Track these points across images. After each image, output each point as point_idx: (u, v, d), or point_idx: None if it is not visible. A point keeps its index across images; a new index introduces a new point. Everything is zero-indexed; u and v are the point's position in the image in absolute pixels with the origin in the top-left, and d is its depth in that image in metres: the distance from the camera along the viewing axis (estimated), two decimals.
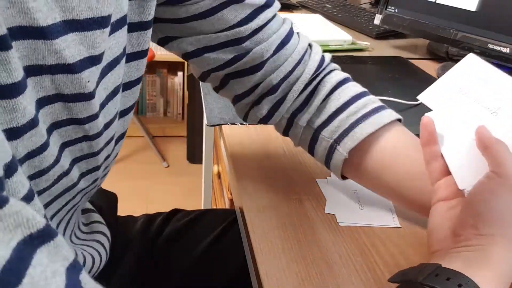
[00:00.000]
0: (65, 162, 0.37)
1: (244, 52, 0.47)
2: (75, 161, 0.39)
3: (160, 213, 0.75)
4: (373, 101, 0.50)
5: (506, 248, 0.35)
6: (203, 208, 1.55)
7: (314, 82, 0.51)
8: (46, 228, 0.23)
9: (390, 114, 0.49)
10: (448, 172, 0.42)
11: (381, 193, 0.51)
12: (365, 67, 0.96)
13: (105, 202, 0.65)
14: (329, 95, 0.50)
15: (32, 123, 0.30)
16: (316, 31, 1.10)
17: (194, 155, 2.21)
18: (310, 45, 0.52)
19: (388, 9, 1.06)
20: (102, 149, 0.41)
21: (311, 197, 0.53)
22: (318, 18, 1.22)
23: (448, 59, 1.05)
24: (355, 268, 0.43)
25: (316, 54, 0.51)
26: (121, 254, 0.62)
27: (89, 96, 0.35)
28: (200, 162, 1.51)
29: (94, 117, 0.37)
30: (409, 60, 1.03)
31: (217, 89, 0.53)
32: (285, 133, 0.54)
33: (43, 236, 0.23)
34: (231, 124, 0.68)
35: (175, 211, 0.75)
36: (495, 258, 0.34)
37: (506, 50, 0.82)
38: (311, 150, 0.52)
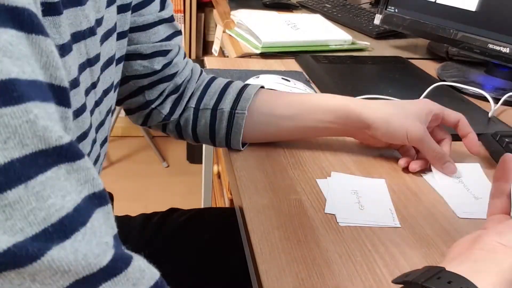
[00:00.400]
0: (93, 128, 0.41)
1: (170, 61, 0.59)
2: (96, 129, 0.44)
3: (156, 212, 0.75)
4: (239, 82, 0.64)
5: None
6: (203, 207, 1.55)
7: (198, 80, 0.65)
8: (104, 191, 0.26)
9: (256, 85, 0.62)
10: (506, 211, 0.43)
11: (273, 138, 0.62)
12: (365, 67, 0.96)
13: None
14: (210, 83, 0.64)
15: (75, 83, 0.35)
16: (316, 31, 1.10)
17: (194, 155, 2.21)
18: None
19: (388, 9, 1.06)
20: (105, 119, 0.47)
21: (311, 197, 0.53)
22: (318, 18, 1.22)
23: (448, 59, 1.05)
24: (355, 268, 0.43)
25: (193, 63, 0.66)
26: None
27: (99, 57, 0.41)
28: (200, 162, 1.51)
29: (97, 80, 0.42)
30: (409, 60, 1.03)
31: (125, 99, 0.62)
32: (179, 125, 0.64)
33: (101, 198, 0.26)
34: None
35: (172, 210, 0.75)
36: (505, 266, 0.33)
37: (506, 50, 0.82)
38: (212, 128, 0.61)
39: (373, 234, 0.48)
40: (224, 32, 1.18)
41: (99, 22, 0.41)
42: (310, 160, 0.61)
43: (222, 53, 1.43)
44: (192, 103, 0.63)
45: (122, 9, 0.49)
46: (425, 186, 0.57)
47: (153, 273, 0.28)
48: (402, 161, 0.60)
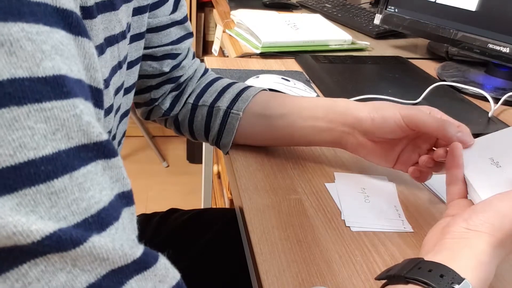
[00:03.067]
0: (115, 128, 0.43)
1: (179, 63, 0.61)
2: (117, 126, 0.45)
3: (157, 212, 0.75)
4: (242, 83, 0.64)
5: (492, 245, 0.35)
6: (203, 208, 1.55)
7: (202, 78, 0.65)
8: (131, 192, 0.27)
9: (257, 88, 0.61)
10: (464, 195, 0.44)
11: (264, 141, 0.60)
12: (365, 67, 0.96)
13: None
14: (213, 82, 0.64)
15: (107, 84, 0.36)
16: (316, 31, 1.09)
17: (194, 155, 2.21)
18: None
19: (388, 9, 1.06)
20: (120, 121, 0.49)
21: (311, 197, 0.53)
22: (318, 18, 1.22)
23: (448, 59, 1.05)
24: (355, 268, 0.43)
25: (199, 63, 0.67)
26: None
27: (125, 59, 0.42)
28: (200, 162, 1.51)
29: (122, 82, 0.43)
30: (409, 60, 1.03)
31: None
32: (178, 120, 0.65)
33: (128, 198, 0.27)
34: None
35: (172, 211, 0.75)
36: (479, 250, 0.35)
37: (506, 50, 0.82)
38: (207, 124, 0.61)
39: (373, 234, 0.48)
40: (224, 32, 1.18)
41: (129, 26, 0.42)
42: (310, 160, 0.60)
43: (222, 53, 1.43)
44: (191, 99, 0.63)
45: (139, 11, 0.49)
46: (425, 185, 0.57)
47: (175, 273, 0.29)
48: (411, 169, 0.53)
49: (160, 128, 2.45)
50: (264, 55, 0.99)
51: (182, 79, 0.63)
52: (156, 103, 0.63)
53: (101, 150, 0.24)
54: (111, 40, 0.37)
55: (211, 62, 0.93)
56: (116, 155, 0.26)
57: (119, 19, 0.38)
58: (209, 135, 0.62)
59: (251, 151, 0.62)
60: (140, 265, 0.25)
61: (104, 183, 0.24)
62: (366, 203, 0.52)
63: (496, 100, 0.78)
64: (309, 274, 0.42)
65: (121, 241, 0.24)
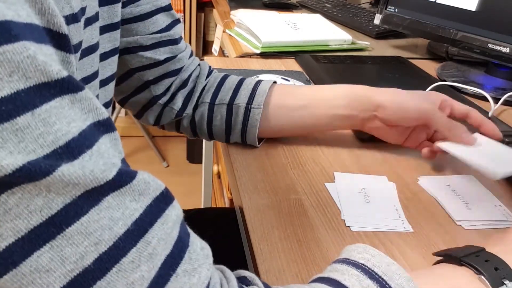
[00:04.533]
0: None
1: (175, 55, 0.60)
2: None
3: None
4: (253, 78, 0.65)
5: None
6: (203, 207, 1.55)
7: (210, 76, 0.65)
8: (108, 120, 0.28)
9: (270, 81, 0.63)
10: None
11: (288, 131, 0.63)
12: (365, 67, 0.96)
13: None
14: (224, 79, 0.64)
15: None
16: (316, 31, 1.09)
17: (194, 155, 2.21)
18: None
19: (388, 9, 1.06)
20: None
21: (311, 197, 0.53)
22: (318, 18, 1.22)
23: (448, 59, 1.05)
24: None
25: (201, 61, 0.67)
26: None
27: (80, 45, 0.42)
28: (200, 162, 1.51)
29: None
30: (409, 60, 1.03)
31: (131, 96, 0.62)
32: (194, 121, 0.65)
33: (106, 125, 0.28)
34: None
35: None
36: None
37: (506, 50, 0.82)
38: (228, 123, 0.62)
39: (373, 234, 0.48)
40: (224, 32, 1.18)
41: (83, 10, 0.41)
42: (310, 160, 0.61)
43: (222, 53, 1.43)
44: (207, 98, 0.63)
45: (107, 1, 0.49)
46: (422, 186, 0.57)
47: (158, 185, 0.30)
48: (426, 150, 0.59)
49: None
50: (264, 55, 0.99)
51: (185, 75, 0.62)
52: (162, 102, 0.63)
53: (65, 86, 0.25)
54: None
55: (211, 62, 0.93)
56: (83, 89, 0.27)
57: (68, 0, 0.37)
58: (231, 134, 0.62)
59: (251, 151, 0.62)
60: (114, 185, 0.27)
61: (73, 115, 0.26)
62: (366, 203, 0.52)
63: (496, 100, 0.78)
64: (309, 274, 0.42)
65: (92, 166, 0.25)
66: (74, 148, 0.25)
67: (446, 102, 0.58)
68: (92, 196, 0.26)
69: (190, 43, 2.18)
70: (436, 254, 0.40)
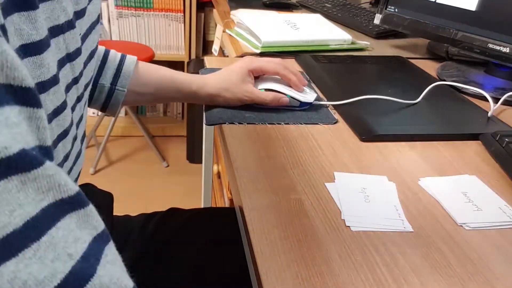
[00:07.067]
0: (74, 125, 0.41)
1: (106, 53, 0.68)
2: (77, 124, 0.44)
3: (157, 212, 0.75)
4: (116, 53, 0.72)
5: None
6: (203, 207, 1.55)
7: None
8: (77, 195, 0.24)
9: (132, 57, 0.73)
10: None
11: (154, 99, 0.76)
12: (365, 66, 0.96)
13: (101, 201, 0.65)
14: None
15: (55, 79, 0.34)
16: (316, 31, 1.09)
17: (194, 155, 2.21)
18: None
19: (388, 9, 1.06)
20: (83, 114, 0.49)
21: (311, 197, 0.53)
22: (318, 18, 1.22)
23: (448, 59, 1.05)
24: (355, 268, 0.43)
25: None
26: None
27: (80, 51, 0.41)
28: (200, 162, 1.51)
29: (80, 75, 0.42)
30: (409, 59, 1.03)
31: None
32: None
33: (73, 203, 0.24)
34: (230, 123, 0.68)
35: (172, 210, 0.75)
36: None
37: (506, 50, 0.82)
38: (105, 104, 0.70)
39: (373, 234, 0.48)
40: (224, 31, 1.18)
41: (78, 14, 0.40)
42: (310, 160, 0.61)
43: (222, 52, 1.43)
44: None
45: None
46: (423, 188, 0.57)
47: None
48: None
49: (160, 128, 2.45)
50: (264, 54, 0.99)
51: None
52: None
53: (12, 165, 0.22)
54: (56, 31, 0.35)
55: (211, 61, 0.93)
56: (41, 164, 0.23)
57: (64, 7, 0.35)
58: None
59: (251, 151, 0.62)
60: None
61: (22, 199, 0.22)
62: (366, 203, 0.52)
63: (496, 100, 0.78)
64: (309, 274, 0.42)
65: (28, 273, 0.21)
66: (13, 244, 0.21)
67: (255, 69, 0.72)
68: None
69: (190, 43, 2.18)
70: None
